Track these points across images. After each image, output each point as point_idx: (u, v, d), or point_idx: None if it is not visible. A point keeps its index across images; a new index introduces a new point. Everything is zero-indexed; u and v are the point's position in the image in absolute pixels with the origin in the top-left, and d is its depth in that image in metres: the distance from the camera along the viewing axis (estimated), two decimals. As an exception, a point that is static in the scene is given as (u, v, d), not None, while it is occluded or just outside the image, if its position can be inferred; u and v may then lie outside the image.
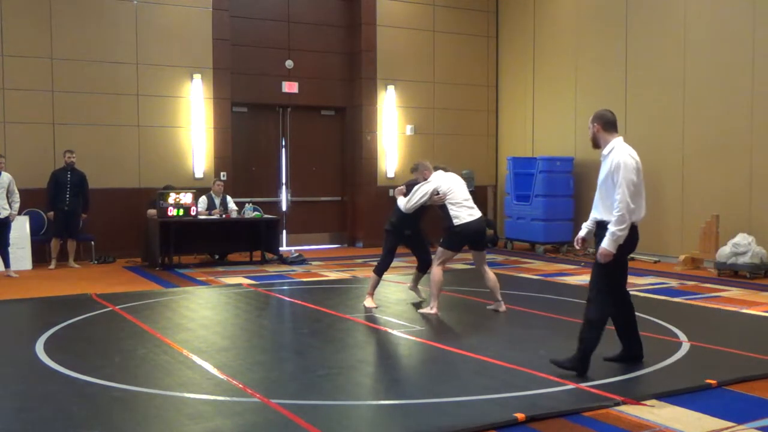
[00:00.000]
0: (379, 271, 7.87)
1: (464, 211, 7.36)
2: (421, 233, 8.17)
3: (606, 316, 5.17)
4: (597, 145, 5.29)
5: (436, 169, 7.74)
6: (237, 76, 13.46)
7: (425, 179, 7.63)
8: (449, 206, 7.37)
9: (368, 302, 7.86)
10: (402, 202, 7.73)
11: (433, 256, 7.78)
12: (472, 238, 7.44)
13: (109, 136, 12.35)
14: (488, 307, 7.72)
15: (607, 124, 5.24)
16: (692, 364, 5.51)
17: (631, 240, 5.13)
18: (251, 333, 6.92)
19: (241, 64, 13.54)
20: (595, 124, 5.25)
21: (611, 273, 5.17)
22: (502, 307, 7.58)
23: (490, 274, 7.60)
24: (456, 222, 7.33)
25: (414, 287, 8.37)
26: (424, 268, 8.22)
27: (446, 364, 5.69)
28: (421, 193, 7.53)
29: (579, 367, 5.06)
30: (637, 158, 5.14)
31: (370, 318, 7.29)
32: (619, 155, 5.08)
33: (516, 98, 15.26)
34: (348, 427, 4.19)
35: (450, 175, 7.62)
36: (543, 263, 12.02)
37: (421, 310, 7.56)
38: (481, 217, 7.48)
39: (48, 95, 11.94)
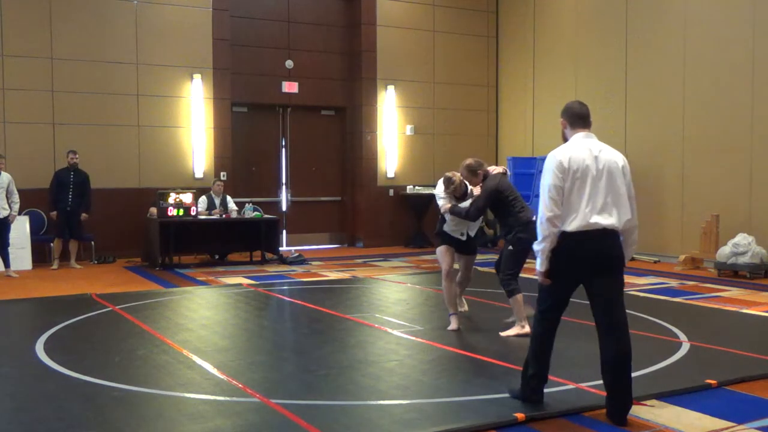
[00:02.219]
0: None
1: None
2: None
3: (537, 335, 4.50)
4: (566, 141, 4.53)
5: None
6: (237, 76, 13.47)
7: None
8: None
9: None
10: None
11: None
12: None
13: (109, 136, 12.36)
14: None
15: (573, 118, 4.47)
16: (692, 364, 5.50)
17: (568, 251, 4.27)
18: (251, 333, 6.92)
19: (241, 64, 13.54)
20: (562, 119, 4.53)
21: (548, 293, 4.43)
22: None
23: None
24: None
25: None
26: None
27: (446, 364, 5.69)
28: None
29: (525, 394, 4.52)
30: (576, 155, 4.29)
31: (370, 318, 7.29)
32: (550, 154, 4.41)
33: (516, 98, 15.26)
34: (348, 427, 4.19)
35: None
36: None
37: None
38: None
39: (48, 95, 11.95)
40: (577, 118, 4.45)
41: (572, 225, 4.22)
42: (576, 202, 4.23)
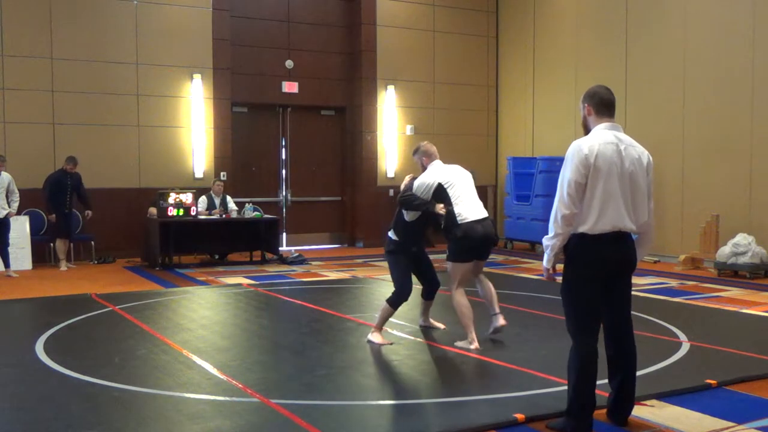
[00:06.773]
0: (395, 302, 6.18)
1: (469, 211, 5.98)
2: (425, 251, 6.63)
3: (582, 362, 4.04)
4: (588, 130, 4.14)
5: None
6: (237, 76, 13.46)
7: (423, 167, 6.32)
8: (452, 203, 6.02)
9: (376, 337, 6.24)
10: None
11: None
12: (480, 242, 6.00)
13: (109, 136, 12.36)
14: (489, 333, 6.33)
15: (600, 105, 4.08)
16: (692, 364, 5.50)
17: (587, 255, 3.99)
18: (251, 333, 6.92)
19: (241, 64, 13.54)
20: (586, 105, 4.12)
21: (576, 303, 4.10)
22: (500, 321, 6.25)
23: (487, 283, 6.36)
24: (459, 220, 5.92)
25: (426, 321, 6.82)
26: (431, 294, 6.71)
27: (446, 364, 5.68)
28: (422, 188, 6.09)
29: (572, 427, 4.08)
30: (602, 149, 3.94)
31: (370, 318, 7.28)
32: (574, 144, 4.02)
33: (516, 98, 15.26)
34: (348, 427, 4.19)
35: (453, 167, 6.29)
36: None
37: (458, 343, 6.08)
38: (488, 218, 6.09)
39: (48, 95, 11.94)
40: (604, 105, 4.08)
41: (596, 227, 3.95)
42: (599, 201, 3.93)
